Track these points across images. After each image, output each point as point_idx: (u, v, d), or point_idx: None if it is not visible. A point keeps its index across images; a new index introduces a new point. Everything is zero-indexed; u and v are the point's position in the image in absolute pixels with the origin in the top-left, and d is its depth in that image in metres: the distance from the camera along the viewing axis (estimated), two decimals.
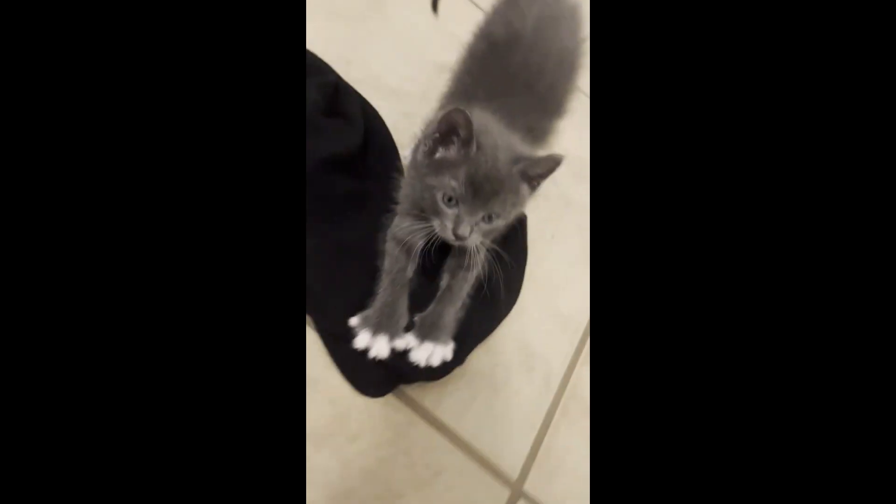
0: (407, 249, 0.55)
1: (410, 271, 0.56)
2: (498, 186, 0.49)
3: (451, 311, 0.55)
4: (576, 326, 0.71)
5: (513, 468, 0.57)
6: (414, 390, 0.56)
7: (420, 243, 0.54)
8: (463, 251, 0.57)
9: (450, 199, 0.50)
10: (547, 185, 0.85)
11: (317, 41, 0.72)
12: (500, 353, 0.63)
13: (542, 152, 0.60)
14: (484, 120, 0.51)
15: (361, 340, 0.51)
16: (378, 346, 0.51)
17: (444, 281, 0.58)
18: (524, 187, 0.52)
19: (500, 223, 0.52)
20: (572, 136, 0.77)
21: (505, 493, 0.55)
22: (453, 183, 0.49)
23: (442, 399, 0.57)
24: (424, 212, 0.53)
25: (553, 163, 0.50)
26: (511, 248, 0.65)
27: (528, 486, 0.57)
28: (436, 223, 0.51)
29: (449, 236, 0.51)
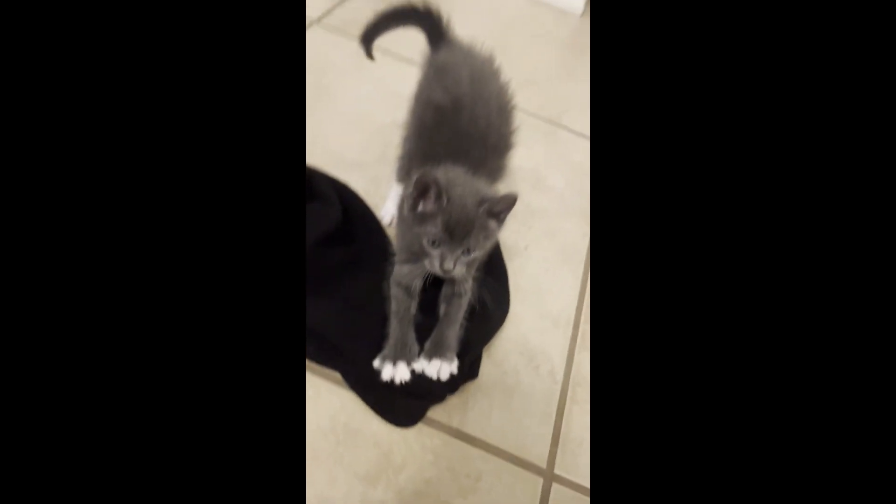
0: (408, 291, 0.67)
1: (413, 308, 0.67)
2: (469, 227, 0.61)
3: (452, 333, 0.66)
4: (566, 320, 0.80)
5: (540, 458, 0.65)
6: (440, 415, 0.65)
7: (418, 284, 0.66)
8: (453, 281, 0.68)
9: (433, 242, 0.62)
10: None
11: None
12: (506, 362, 0.72)
13: (503, 186, 0.72)
14: (452, 173, 0.64)
15: (386, 373, 0.62)
16: (399, 372, 0.62)
17: (442, 310, 0.69)
18: (492, 223, 0.63)
19: (478, 254, 0.64)
20: (522, 152, 0.87)
21: (539, 481, 0.64)
22: (434, 230, 0.61)
23: (465, 415, 0.66)
24: (417, 255, 0.64)
25: (511, 200, 0.61)
26: (493, 270, 0.76)
27: (558, 470, 0.65)
28: (426, 262, 0.63)
29: (438, 271, 0.63)
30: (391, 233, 0.80)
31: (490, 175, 0.71)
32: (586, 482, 0.65)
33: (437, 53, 0.75)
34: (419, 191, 0.61)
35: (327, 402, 0.63)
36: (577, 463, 0.66)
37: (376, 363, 0.63)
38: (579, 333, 0.79)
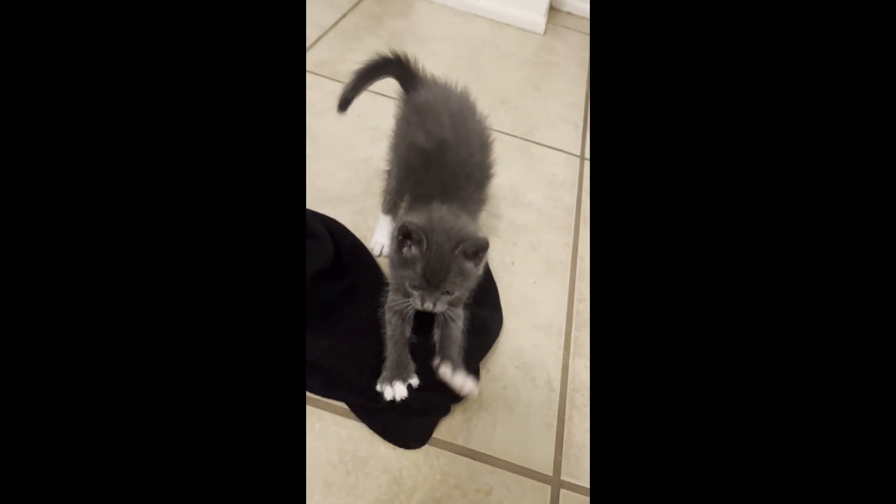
0: (402, 315, 0.70)
1: (408, 332, 0.71)
2: (444, 274, 0.64)
3: (455, 353, 0.69)
4: (557, 329, 0.83)
5: (546, 466, 0.68)
6: (445, 434, 0.67)
7: (411, 309, 0.69)
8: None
9: (415, 286, 0.66)
10: (493, 220, 0.98)
11: None
12: (504, 376, 0.75)
13: (486, 211, 0.76)
14: (437, 214, 0.67)
15: (387, 393, 0.65)
16: (397, 390, 0.65)
17: (436, 336, 0.71)
18: (468, 264, 0.66)
19: (457, 293, 0.67)
20: (499, 171, 0.91)
21: (547, 489, 0.66)
22: (414, 275, 0.65)
23: (470, 432, 0.68)
24: (404, 292, 0.68)
25: (481, 243, 0.65)
26: (484, 288, 0.79)
27: (565, 476, 0.67)
28: (411, 300, 0.68)
29: (420, 308, 0.67)
30: (382, 262, 0.83)
31: (475, 206, 0.75)
32: None
33: (414, 94, 0.78)
34: (402, 236, 0.65)
35: (334, 433, 0.65)
36: (582, 467, 0.68)
37: (378, 387, 0.66)
38: (571, 341, 0.82)
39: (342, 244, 0.81)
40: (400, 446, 0.65)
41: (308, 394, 0.67)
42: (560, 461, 0.68)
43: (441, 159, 0.71)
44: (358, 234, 0.85)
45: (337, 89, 0.83)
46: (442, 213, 0.68)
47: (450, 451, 0.66)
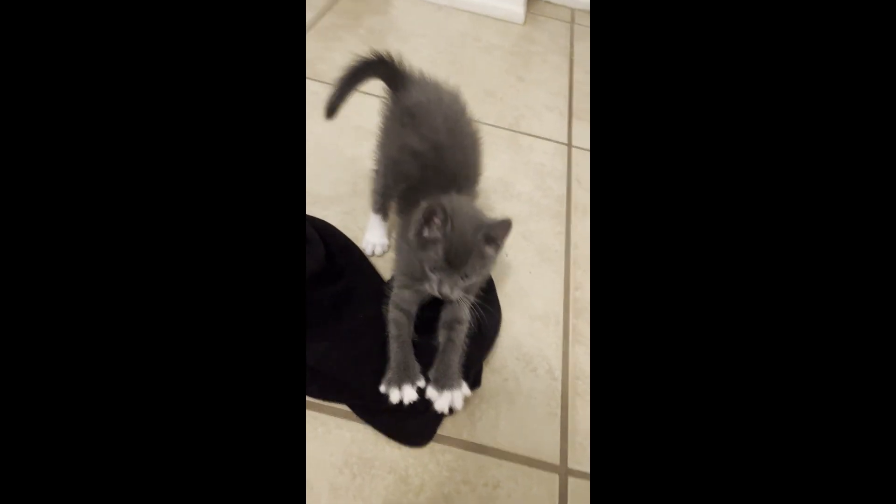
0: (407, 314, 0.70)
1: (412, 331, 0.70)
2: (466, 256, 0.65)
3: (456, 359, 0.68)
4: (555, 318, 0.82)
5: (553, 455, 0.67)
6: (449, 430, 0.67)
7: (415, 309, 0.70)
8: (452, 307, 0.71)
9: (434, 268, 0.65)
10: (486, 213, 0.98)
11: None
12: (504, 369, 0.74)
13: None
14: (457, 202, 0.68)
15: (394, 397, 0.64)
16: (406, 394, 0.65)
17: (442, 337, 0.71)
18: (489, 249, 0.67)
19: (474, 279, 0.68)
20: (488, 163, 0.90)
21: (555, 478, 0.66)
22: (435, 256, 0.65)
23: (474, 427, 0.68)
24: (417, 279, 0.68)
25: (506, 225, 0.66)
26: (488, 295, 0.79)
27: (572, 464, 0.67)
28: (427, 285, 0.68)
29: (437, 294, 0.67)
30: (375, 262, 0.82)
31: (472, 200, 0.75)
32: None
33: (404, 94, 0.76)
34: (426, 218, 0.64)
35: (338, 437, 0.64)
36: (588, 454, 0.68)
37: (382, 388, 0.65)
38: (570, 329, 0.81)
39: (334, 246, 0.80)
40: (406, 444, 0.64)
41: (309, 399, 0.66)
42: (566, 449, 0.68)
43: (438, 163, 0.71)
44: (349, 235, 0.84)
45: (319, 89, 0.82)
46: (461, 201, 0.68)
47: (455, 446, 0.66)
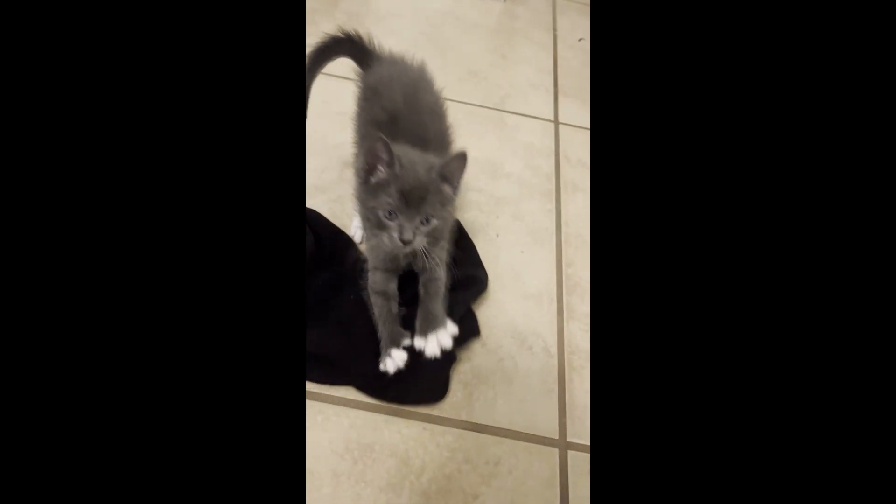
0: (385, 295, 0.70)
1: (395, 308, 0.71)
2: (424, 193, 0.60)
3: (437, 304, 0.69)
4: (549, 296, 0.82)
5: (551, 430, 0.68)
6: (447, 412, 0.67)
7: (394, 287, 0.70)
8: (425, 271, 0.70)
9: (389, 213, 0.61)
10: (473, 195, 0.97)
11: None
12: (500, 348, 0.75)
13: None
14: (401, 150, 0.64)
15: (390, 366, 0.66)
16: (396, 357, 0.66)
17: (422, 291, 0.71)
18: (446, 188, 0.63)
19: (436, 223, 0.63)
20: (475, 144, 0.89)
21: (555, 452, 0.66)
22: (389, 199, 0.60)
23: (472, 407, 0.68)
24: (376, 229, 0.63)
25: (461, 159, 0.62)
26: (462, 248, 0.80)
27: (570, 437, 0.68)
28: (384, 237, 0.62)
29: (398, 244, 0.61)
30: (364, 248, 0.81)
31: None
32: None
33: (368, 73, 0.77)
34: (368, 158, 0.61)
35: (336, 424, 0.64)
36: (587, 428, 0.69)
37: (381, 367, 0.66)
38: (564, 306, 0.82)
39: (322, 234, 0.79)
40: (424, 405, 0.66)
41: (308, 388, 0.66)
42: (565, 424, 0.69)
43: (395, 131, 0.70)
44: (338, 223, 0.83)
45: None
46: (405, 149, 0.64)
47: (454, 427, 0.66)
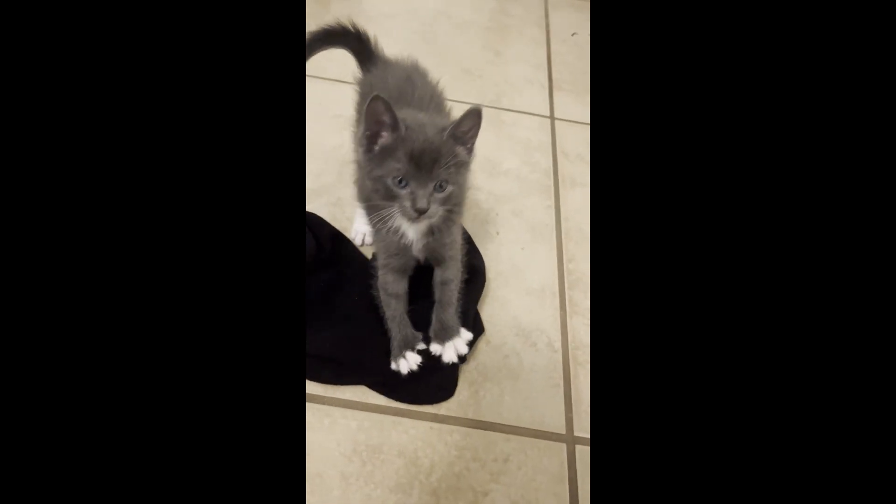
0: (395, 296, 0.70)
1: (405, 307, 0.71)
2: (436, 154, 0.54)
3: (451, 312, 0.70)
4: (551, 291, 0.83)
5: (558, 426, 0.68)
6: (454, 410, 0.67)
7: (404, 286, 0.70)
8: (441, 262, 0.69)
9: (400, 181, 0.55)
10: (473, 192, 0.97)
11: None
12: (504, 345, 0.75)
13: None
14: (406, 112, 0.59)
15: (402, 366, 0.67)
16: (411, 360, 0.67)
17: (437, 293, 0.71)
18: (460, 149, 0.57)
19: (451, 188, 0.57)
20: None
21: (562, 447, 0.66)
22: (397, 164, 0.54)
23: (479, 404, 0.68)
24: (387, 200, 0.57)
25: (475, 115, 0.55)
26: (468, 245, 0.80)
27: (578, 432, 0.68)
28: (396, 209, 0.56)
29: (411, 215, 0.56)
30: (366, 251, 0.81)
31: None
32: None
33: (367, 75, 0.77)
34: (371, 124, 0.54)
35: (343, 426, 0.64)
36: None
37: (393, 366, 0.67)
38: (566, 301, 0.82)
39: (322, 236, 0.80)
40: (432, 403, 0.66)
41: (313, 391, 0.66)
42: (571, 419, 0.69)
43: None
44: (338, 226, 0.83)
45: None
46: (408, 112, 0.59)
47: (462, 425, 0.66)
